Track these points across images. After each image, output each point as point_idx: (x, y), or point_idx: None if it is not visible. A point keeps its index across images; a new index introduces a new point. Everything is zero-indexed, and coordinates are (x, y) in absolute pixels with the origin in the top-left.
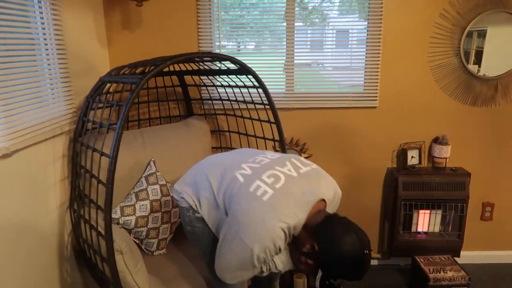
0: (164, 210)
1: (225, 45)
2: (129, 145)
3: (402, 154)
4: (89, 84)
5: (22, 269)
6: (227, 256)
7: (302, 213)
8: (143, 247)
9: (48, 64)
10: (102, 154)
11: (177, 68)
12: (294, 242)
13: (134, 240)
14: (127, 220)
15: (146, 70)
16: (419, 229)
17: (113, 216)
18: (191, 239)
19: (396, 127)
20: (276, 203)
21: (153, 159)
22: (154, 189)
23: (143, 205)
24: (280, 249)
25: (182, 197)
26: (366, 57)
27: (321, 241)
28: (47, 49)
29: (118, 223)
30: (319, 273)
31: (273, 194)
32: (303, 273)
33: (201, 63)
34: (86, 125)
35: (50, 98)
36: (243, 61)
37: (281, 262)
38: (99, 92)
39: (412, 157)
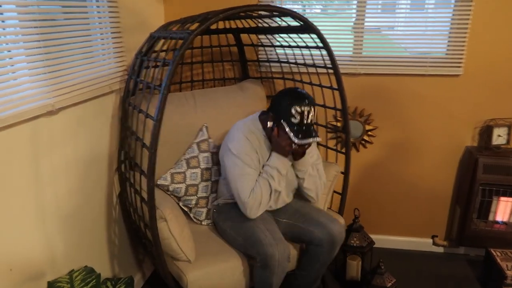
0: (214, 180)
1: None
2: (180, 108)
3: (486, 132)
4: (142, 41)
5: (71, 231)
6: (229, 175)
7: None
8: (191, 215)
9: (99, 17)
10: (147, 116)
11: (233, 25)
12: (271, 141)
13: (183, 208)
14: (177, 187)
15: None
16: (498, 219)
17: (163, 182)
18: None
19: (482, 99)
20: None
21: (205, 124)
22: (205, 156)
23: (193, 173)
24: (249, 140)
25: None
26: (453, 13)
27: (269, 108)
28: (97, 0)
29: (167, 190)
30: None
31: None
32: (297, 155)
33: (259, 20)
34: (136, 84)
35: (100, 54)
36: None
37: (275, 162)
38: (149, 49)
39: (499, 135)
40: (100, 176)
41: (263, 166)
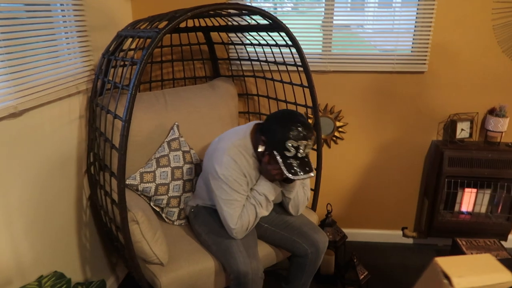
0: (186, 179)
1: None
2: (150, 107)
3: (450, 126)
4: (109, 40)
5: (38, 235)
6: (216, 198)
7: (241, 135)
8: (163, 215)
9: (63, 16)
10: (115, 116)
11: (202, 24)
12: (260, 165)
13: (154, 208)
14: (147, 187)
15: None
16: (463, 209)
17: (132, 182)
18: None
19: (446, 95)
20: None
21: (176, 123)
22: (176, 155)
23: (163, 172)
24: (238, 163)
25: None
26: (417, 11)
27: (262, 130)
28: None
29: (137, 190)
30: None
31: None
32: (285, 182)
33: (229, 18)
34: (104, 84)
35: (65, 54)
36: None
37: (263, 189)
38: (117, 48)
39: (462, 129)
40: (69, 178)
41: (251, 189)
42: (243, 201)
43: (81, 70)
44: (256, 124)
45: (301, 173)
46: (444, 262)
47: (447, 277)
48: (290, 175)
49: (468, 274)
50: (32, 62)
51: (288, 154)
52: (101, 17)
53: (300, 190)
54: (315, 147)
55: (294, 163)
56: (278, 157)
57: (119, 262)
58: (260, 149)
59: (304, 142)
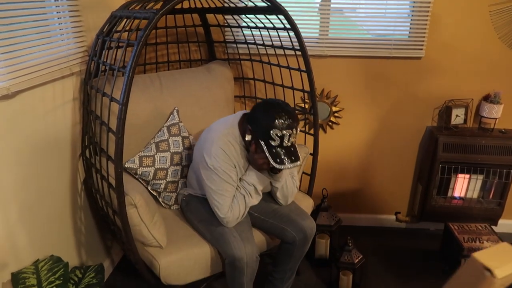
0: (185, 164)
1: None
2: (145, 90)
3: (445, 112)
4: (103, 20)
5: (33, 219)
6: (206, 188)
7: (229, 125)
8: (160, 200)
9: None
10: (111, 99)
11: (198, 5)
12: (249, 155)
13: (151, 192)
14: (146, 171)
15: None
16: (456, 194)
17: (131, 166)
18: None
19: (442, 81)
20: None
21: (176, 107)
22: (176, 140)
23: (163, 157)
24: (227, 154)
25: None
26: None
27: (248, 119)
28: None
29: (136, 173)
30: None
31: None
32: (272, 172)
33: (225, 0)
34: (98, 66)
35: (57, 34)
36: None
37: (252, 179)
38: (111, 29)
39: (457, 115)
40: (63, 162)
41: (241, 178)
42: (233, 191)
43: (74, 51)
44: (244, 113)
45: (287, 162)
46: (482, 256)
47: (487, 269)
48: (276, 164)
49: (502, 263)
50: (23, 42)
51: (273, 143)
52: None
53: (289, 180)
54: (311, 131)
55: (280, 152)
56: (264, 146)
57: (114, 245)
58: (247, 138)
59: (289, 131)
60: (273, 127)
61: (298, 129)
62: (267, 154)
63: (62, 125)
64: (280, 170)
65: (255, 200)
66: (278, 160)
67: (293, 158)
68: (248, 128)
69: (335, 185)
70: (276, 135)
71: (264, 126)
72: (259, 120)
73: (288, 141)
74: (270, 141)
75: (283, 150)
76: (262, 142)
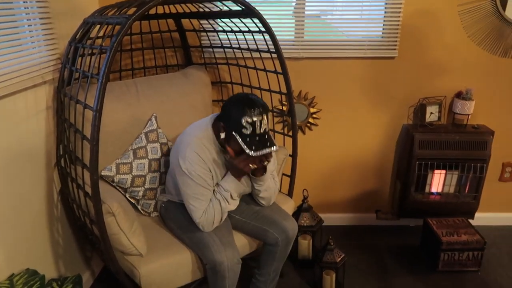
0: (163, 171)
1: None
2: (121, 97)
3: (420, 110)
4: (75, 27)
5: (8, 232)
6: (181, 192)
7: (203, 127)
8: (139, 207)
9: (24, 2)
10: (85, 106)
11: (173, 10)
12: (226, 160)
13: (130, 200)
14: (123, 178)
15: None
16: (433, 190)
17: (108, 173)
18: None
19: (416, 80)
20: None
21: (154, 114)
22: (154, 147)
23: (140, 163)
24: (201, 157)
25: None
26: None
27: (220, 117)
28: None
29: (112, 181)
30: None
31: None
32: (255, 174)
33: (200, 4)
34: (71, 73)
35: (28, 42)
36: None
37: (228, 185)
38: (84, 36)
39: (431, 113)
40: (38, 172)
41: (217, 183)
42: (209, 195)
43: (46, 59)
44: (216, 114)
45: (263, 148)
46: None
47: None
48: (251, 152)
49: None
50: None
51: (245, 131)
52: (66, 3)
53: (271, 181)
54: (290, 133)
55: (255, 139)
56: (237, 137)
57: (93, 256)
58: (222, 135)
59: (259, 117)
60: (243, 115)
61: (269, 116)
62: (242, 145)
63: (36, 135)
64: (263, 172)
65: (232, 206)
66: (253, 148)
67: (268, 143)
68: (221, 125)
69: (316, 185)
70: (247, 122)
71: (235, 117)
72: (229, 113)
73: (260, 128)
74: (243, 130)
75: (257, 138)
76: (235, 134)
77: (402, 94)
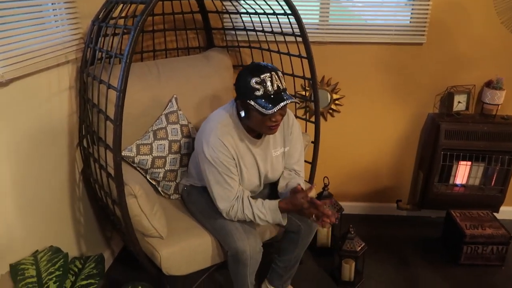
0: (184, 153)
1: None
2: (142, 78)
3: (447, 99)
4: (99, 6)
5: (31, 210)
6: (206, 179)
7: (228, 111)
8: (159, 189)
9: None
10: (109, 86)
11: None
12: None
13: (150, 181)
14: (143, 159)
15: None
16: (457, 182)
17: (128, 154)
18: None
19: (444, 67)
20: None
21: (175, 95)
22: (174, 128)
23: (161, 144)
24: (225, 144)
25: None
26: None
27: (236, 96)
28: None
29: (133, 162)
30: None
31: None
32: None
33: None
34: (95, 53)
35: (52, 21)
36: None
37: (267, 217)
38: (107, 15)
39: (459, 102)
40: (60, 152)
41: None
42: (232, 183)
43: (70, 39)
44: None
45: (279, 103)
46: None
47: None
48: (268, 111)
49: None
50: (17, 28)
51: (258, 93)
52: None
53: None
54: (312, 119)
55: (269, 99)
56: (252, 103)
57: (113, 236)
58: (242, 113)
59: (267, 74)
60: (252, 77)
61: (280, 74)
62: (258, 108)
63: (59, 115)
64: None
65: (259, 222)
66: (270, 106)
67: (284, 97)
68: (238, 103)
69: (336, 173)
70: (256, 82)
71: (245, 84)
72: (239, 84)
73: (272, 85)
74: (256, 93)
75: (272, 96)
76: (250, 101)
77: (429, 82)
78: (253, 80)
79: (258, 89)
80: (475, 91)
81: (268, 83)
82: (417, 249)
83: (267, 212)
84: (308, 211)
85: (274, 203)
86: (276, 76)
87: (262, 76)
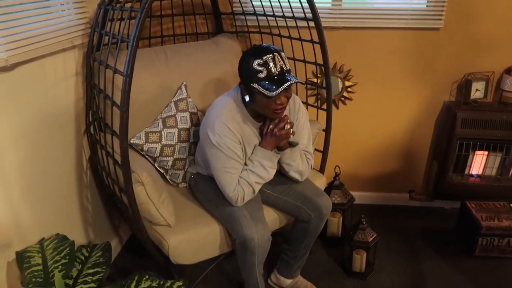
0: (193, 141)
1: None
2: (150, 64)
3: (465, 86)
4: None
5: (38, 198)
6: (211, 166)
7: (232, 97)
8: (167, 177)
9: None
10: (115, 71)
11: None
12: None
13: (158, 169)
14: (152, 147)
15: None
16: (473, 172)
17: (137, 141)
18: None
19: (462, 53)
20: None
21: (184, 82)
22: (183, 116)
23: (170, 133)
24: (231, 129)
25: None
26: None
27: (240, 81)
28: None
29: (142, 150)
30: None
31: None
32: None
33: None
34: (101, 38)
35: (57, 4)
36: None
37: (257, 156)
38: None
39: (477, 90)
40: (67, 139)
41: (249, 158)
42: (240, 168)
43: (76, 23)
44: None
45: (283, 84)
46: None
47: None
48: (272, 92)
49: None
50: (21, 11)
51: (261, 75)
52: None
53: (302, 164)
54: (324, 107)
55: (273, 81)
56: (256, 86)
57: (122, 223)
58: (247, 98)
59: (270, 55)
60: (254, 59)
61: (284, 56)
62: (262, 90)
63: (65, 101)
64: (292, 144)
65: (267, 174)
66: (274, 87)
67: (288, 78)
68: (242, 88)
69: (348, 162)
70: (259, 64)
71: (247, 67)
72: (242, 68)
73: (276, 67)
74: (259, 75)
75: (275, 77)
76: (254, 85)
77: (446, 69)
78: (256, 62)
79: (261, 71)
80: (494, 78)
81: (271, 64)
82: (430, 240)
83: (256, 164)
84: (279, 130)
85: (255, 151)
86: (279, 57)
87: (264, 58)
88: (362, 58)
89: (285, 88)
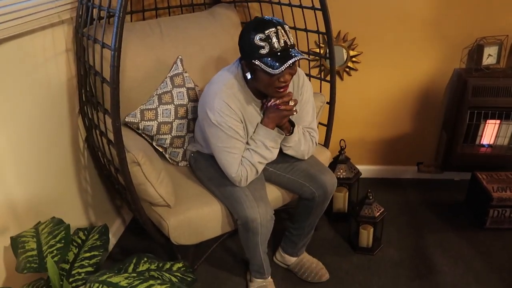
0: (191, 118)
1: None
2: (144, 39)
3: (476, 52)
4: None
5: (34, 181)
6: (212, 146)
7: (232, 72)
8: (167, 156)
9: None
10: (103, 45)
11: None
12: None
13: (157, 148)
14: (148, 125)
15: None
16: (484, 142)
17: (132, 120)
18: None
19: (473, 16)
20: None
21: (180, 56)
22: (180, 92)
23: (166, 109)
24: (231, 107)
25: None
26: None
27: (241, 56)
28: None
29: (138, 128)
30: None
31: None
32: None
33: None
34: (88, 10)
35: None
36: None
37: (259, 135)
38: None
39: (489, 55)
40: (61, 119)
41: (251, 138)
42: (242, 147)
43: None
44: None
45: (288, 60)
46: None
47: None
48: (276, 70)
49: None
50: None
51: (263, 51)
52: None
53: (305, 144)
54: (327, 78)
55: (276, 57)
56: (257, 63)
57: (123, 204)
58: (248, 75)
59: (272, 29)
60: (255, 34)
61: (288, 29)
62: (265, 68)
63: (57, 79)
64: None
65: (269, 154)
66: (277, 64)
67: (293, 55)
68: (243, 64)
69: (353, 135)
70: (261, 39)
71: (249, 42)
72: (243, 43)
73: (279, 42)
74: (261, 51)
75: (278, 53)
76: (256, 61)
77: (456, 34)
78: (257, 37)
79: (263, 47)
80: (507, 42)
81: (274, 39)
82: (439, 214)
83: (259, 144)
84: (283, 104)
85: (257, 130)
86: (282, 31)
87: (266, 32)
88: (367, 25)
89: (289, 65)
